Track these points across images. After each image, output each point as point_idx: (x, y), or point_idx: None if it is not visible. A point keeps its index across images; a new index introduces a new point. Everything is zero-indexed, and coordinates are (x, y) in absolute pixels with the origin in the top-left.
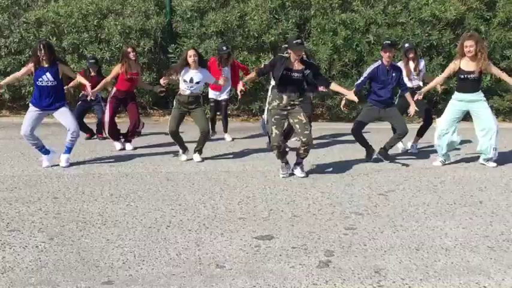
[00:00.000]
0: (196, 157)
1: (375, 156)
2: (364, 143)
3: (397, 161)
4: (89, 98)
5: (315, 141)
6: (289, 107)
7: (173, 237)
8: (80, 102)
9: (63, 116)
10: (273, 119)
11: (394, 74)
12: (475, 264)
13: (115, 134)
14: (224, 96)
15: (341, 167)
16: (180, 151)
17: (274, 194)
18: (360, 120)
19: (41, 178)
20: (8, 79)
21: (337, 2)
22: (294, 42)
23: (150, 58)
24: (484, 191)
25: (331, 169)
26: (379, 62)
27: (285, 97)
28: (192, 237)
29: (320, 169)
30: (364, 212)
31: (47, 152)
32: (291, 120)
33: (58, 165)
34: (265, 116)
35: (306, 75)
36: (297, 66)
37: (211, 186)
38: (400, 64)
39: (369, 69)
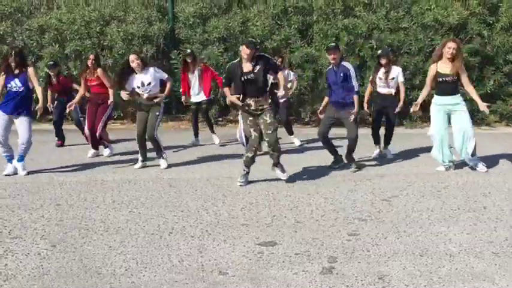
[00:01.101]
0: (162, 163)
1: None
2: (331, 150)
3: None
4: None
5: (317, 146)
6: (258, 112)
7: (176, 243)
8: (55, 103)
9: (21, 125)
10: (248, 121)
11: (341, 75)
12: (480, 270)
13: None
14: (202, 98)
15: (344, 172)
16: (140, 158)
17: (277, 200)
18: (321, 124)
19: (44, 185)
20: None
21: (340, 8)
22: (247, 41)
23: (153, 64)
24: (488, 196)
25: (334, 175)
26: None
27: (252, 103)
28: (195, 243)
29: (323, 175)
30: (367, 218)
31: (11, 160)
32: (259, 121)
33: (58, 172)
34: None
35: (257, 72)
36: (247, 68)
37: (214, 192)
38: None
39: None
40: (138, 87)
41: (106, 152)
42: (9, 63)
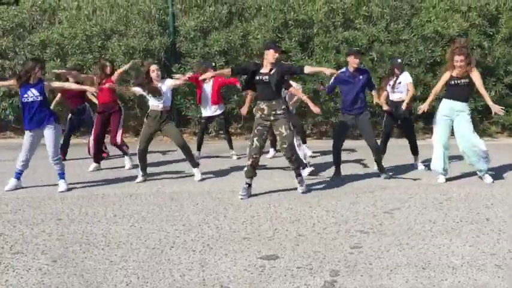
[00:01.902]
0: (197, 173)
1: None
2: (338, 162)
3: (405, 177)
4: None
5: (318, 158)
6: (272, 117)
7: (177, 258)
8: (70, 116)
9: (49, 138)
10: (255, 130)
11: (361, 77)
12: (483, 283)
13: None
14: (218, 111)
15: (345, 184)
16: (140, 173)
17: (278, 213)
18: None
19: (45, 199)
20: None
21: (340, 20)
22: (268, 42)
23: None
24: (490, 208)
25: (335, 187)
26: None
27: (265, 107)
28: (196, 258)
29: (324, 187)
30: (369, 231)
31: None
32: (275, 132)
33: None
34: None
35: (273, 74)
36: (266, 69)
37: (216, 205)
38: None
39: None
40: (155, 97)
41: (128, 163)
42: (32, 75)
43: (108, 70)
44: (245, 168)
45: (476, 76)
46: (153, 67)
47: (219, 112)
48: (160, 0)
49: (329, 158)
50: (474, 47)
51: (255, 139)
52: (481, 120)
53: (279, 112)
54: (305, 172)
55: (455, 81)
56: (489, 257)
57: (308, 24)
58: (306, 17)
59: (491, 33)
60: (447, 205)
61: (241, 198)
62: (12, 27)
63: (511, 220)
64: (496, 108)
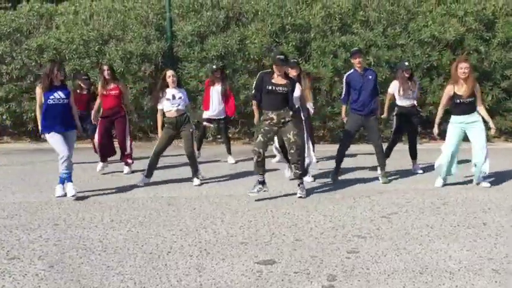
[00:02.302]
0: (195, 181)
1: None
2: (340, 163)
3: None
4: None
5: (318, 164)
6: (280, 124)
7: (174, 263)
8: None
9: (70, 141)
10: (262, 129)
11: (370, 77)
12: None
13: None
14: (221, 115)
15: (343, 189)
16: (147, 178)
17: (276, 217)
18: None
19: (42, 204)
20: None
21: (337, 25)
22: (277, 57)
23: (151, 82)
24: (487, 212)
25: (333, 192)
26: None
27: (274, 116)
28: (193, 263)
29: (322, 192)
30: (366, 235)
31: (67, 181)
32: (283, 137)
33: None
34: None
35: (288, 90)
36: (280, 80)
37: (213, 210)
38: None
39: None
40: (168, 99)
41: (126, 169)
42: (52, 77)
43: (106, 74)
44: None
45: (479, 91)
46: (169, 73)
47: (222, 116)
48: (157, 5)
49: (327, 163)
50: (471, 52)
51: (260, 135)
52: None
53: (287, 118)
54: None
55: (460, 100)
56: (486, 261)
57: (305, 28)
58: (303, 21)
59: (487, 37)
60: (444, 210)
61: (252, 194)
62: (9, 32)
63: (508, 225)
64: (492, 125)
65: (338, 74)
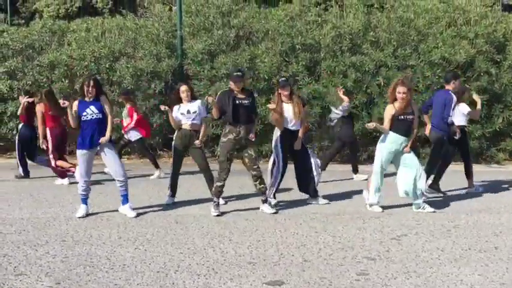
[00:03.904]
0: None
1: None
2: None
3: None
4: None
5: (326, 184)
6: (243, 141)
7: (181, 282)
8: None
9: (108, 159)
10: (227, 154)
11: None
12: None
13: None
14: None
15: (352, 210)
16: (169, 193)
17: (284, 237)
18: None
19: (50, 221)
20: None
21: (347, 45)
22: (235, 74)
23: (161, 100)
24: (499, 235)
25: (341, 212)
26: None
27: (241, 130)
28: (201, 282)
29: (331, 212)
30: (376, 257)
31: (86, 201)
32: (243, 154)
33: (64, 207)
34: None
35: (250, 102)
36: (242, 94)
37: (221, 229)
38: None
39: None
40: (183, 114)
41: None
42: (85, 91)
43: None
44: (213, 189)
45: (416, 110)
46: (183, 88)
47: None
48: (168, 23)
49: (335, 182)
50: (481, 74)
51: (227, 163)
52: (489, 147)
53: (251, 135)
54: (273, 201)
55: (404, 116)
56: (498, 286)
57: (315, 48)
58: (314, 41)
59: (498, 60)
60: (455, 232)
61: (217, 215)
62: (21, 48)
63: None
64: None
65: (348, 94)
